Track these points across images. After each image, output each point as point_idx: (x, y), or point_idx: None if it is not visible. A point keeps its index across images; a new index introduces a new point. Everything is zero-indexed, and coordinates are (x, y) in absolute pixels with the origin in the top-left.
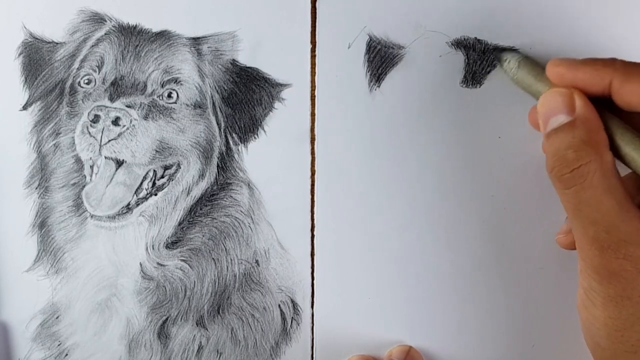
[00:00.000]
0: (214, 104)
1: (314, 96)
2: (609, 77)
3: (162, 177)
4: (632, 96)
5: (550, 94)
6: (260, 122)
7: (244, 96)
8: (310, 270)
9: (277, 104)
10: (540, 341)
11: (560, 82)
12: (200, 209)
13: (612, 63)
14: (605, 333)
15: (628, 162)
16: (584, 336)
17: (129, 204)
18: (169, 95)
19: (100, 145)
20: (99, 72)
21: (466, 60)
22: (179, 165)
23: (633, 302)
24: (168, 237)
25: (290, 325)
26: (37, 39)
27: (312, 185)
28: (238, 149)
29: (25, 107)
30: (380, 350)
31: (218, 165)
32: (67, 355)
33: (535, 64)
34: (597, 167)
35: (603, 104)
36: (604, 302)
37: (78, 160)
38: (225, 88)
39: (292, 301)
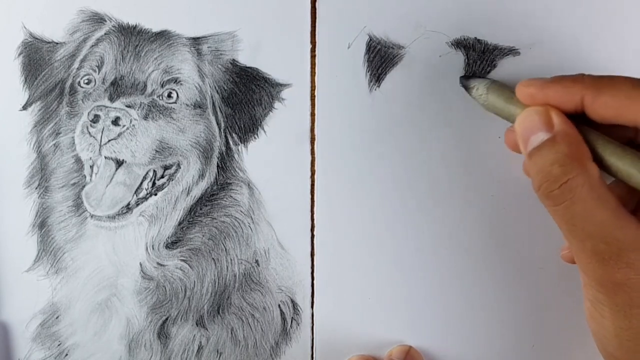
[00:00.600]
0: (214, 104)
1: (314, 96)
2: (579, 93)
3: (162, 177)
4: (605, 110)
5: (527, 113)
6: (260, 122)
7: (244, 96)
8: (310, 270)
9: (277, 104)
10: (540, 341)
11: (532, 103)
12: (200, 209)
13: (582, 79)
14: (618, 344)
15: (614, 173)
16: (598, 347)
17: (128, 204)
18: (169, 95)
19: (100, 145)
20: (98, 72)
21: (466, 60)
22: (179, 165)
23: None
24: (168, 237)
25: (290, 325)
26: (37, 39)
27: (312, 185)
28: (238, 149)
29: (25, 107)
30: (380, 350)
31: (218, 165)
32: (67, 355)
33: (504, 87)
34: (585, 179)
35: (578, 119)
36: (612, 314)
37: (78, 160)
38: (225, 88)
39: (292, 301)
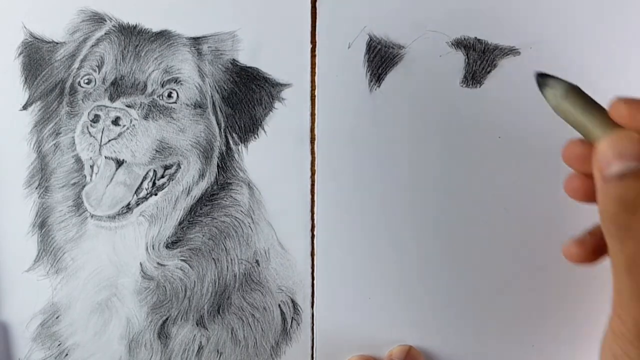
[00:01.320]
0: (214, 103)
1: (314, 96)
2: None
3: (162, 177)
4: None
5: (622, 137)
6: (260, 122)
7: (244, 96)
8: (310, 270)
9: (277, 104)
10: (540, 341)
11: (624, 121)
12: (201, 209)
13: None
14: None
15: None
16: None
17: (129, 204)
18: (169, 95)
19: (100, 145)
20: (99, 72)
21: (466, 60)
22: (179, 165)
23: None
24: (168, 237)
25: (290, 325)
26: (37, 38)
27: (312, 185)
28: (238, 149)
29: (25, 107)
30: (380, 350)
31: (218, 165)
32: (67, 355)
33: (583, 94)
34: None
35: None
36: None
37: (78, 160)
38: (225, 88)
39: (292, 301)
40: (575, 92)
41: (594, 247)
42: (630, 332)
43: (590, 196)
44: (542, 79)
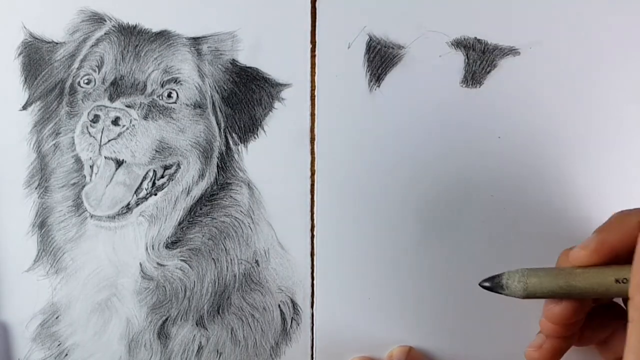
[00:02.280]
0: (213, 103)
1: (314, 96)
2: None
3: (162, 177)
4: None
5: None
6: (260, 122)
7: (244, 96)
8: (310, 270)
9: (277, 104)
10: None
11: (590, 260)
12: (200, 209)
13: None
14: None
15: None
16: None
17: (128, 204)
18: (169, 95)
19: (100, 145)
20: (98, 72)
21: (466, 60)
22: (178, 165)
23: None
24: (168, 237)
25: (290, 325)
26: (37, 38)
27: (312, 185)
28: (238, 149)
29: (25, 107)
30: (380, 350)
31: (218, 165)
32: (67, 355)
33: (539, 269)
34: None
35: None
36: None
37: (78, 160)
38: (225, 88)
39: (292, 301)
40: (533, 271)
41: (551, 351)
42: None
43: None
44: (493, 284)
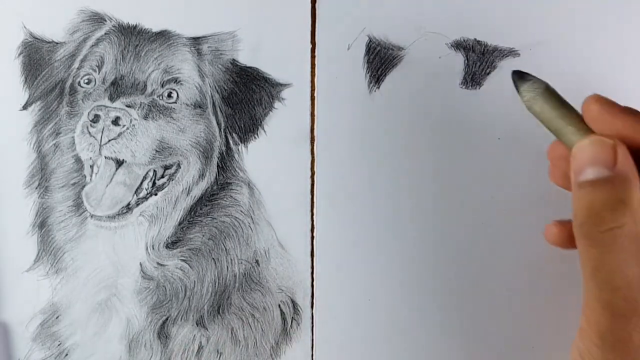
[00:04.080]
0: (214, 103)
1: (314, 97)
2: None
3: (162, 177)
4: None
5: (592, 142)
6: (260, 122)
7: (244, 96)
8: (310, 270)
9: (277, 104)
10: (540, 343)
11: (596, 126)
12: (200, 209)
13: None
14: None
15: None
16: None
17: (129, 204)
18: (169, 95)
19: (100, 145)
20: (99, 72)
21: (466, 61)
22: (179, 165)
23: None
24: (168, 237)
25: (290, 325)
26: (37, 38)
27: (312, 185)
28: (238, 149)
29: (25, 107)
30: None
31: (218, 165)
32: (67, 355)
33: (558, 96)
34: (631, 230)
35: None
36: None
37: (78, 160)
38: (225, 88)
39: (292, 301)
40: (550, 93)
41: (572, 234)
42: (592, 331)
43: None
44: (518, 77)
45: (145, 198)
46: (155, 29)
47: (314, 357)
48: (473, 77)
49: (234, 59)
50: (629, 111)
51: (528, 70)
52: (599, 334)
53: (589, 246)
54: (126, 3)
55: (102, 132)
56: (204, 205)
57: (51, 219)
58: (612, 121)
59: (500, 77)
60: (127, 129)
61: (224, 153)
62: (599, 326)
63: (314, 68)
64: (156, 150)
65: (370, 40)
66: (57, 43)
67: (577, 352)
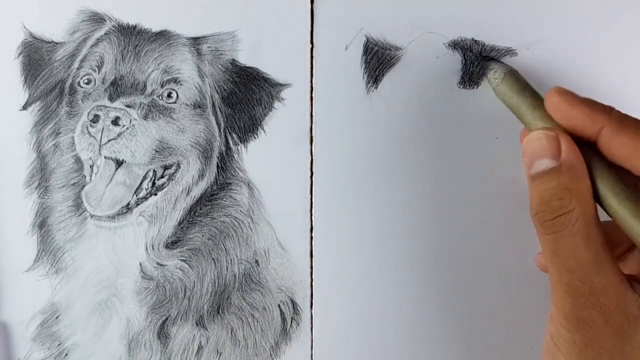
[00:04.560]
0: (213, 103)
1: (312, 98)
2: (601, 123)
3: (162, 177)
4: (618, 148)
5: (536, 136)
6: (260, 122)
7: (244, 96)
8: (310, 270)
9: (276, 104)
10: (540, 342)
11: (553, 112)
12: (200, 209)
13: (610, 110)
14: None
15: (611, 214)
16: None
17: (128, 204)
18: (169, 95)
19: (100, 145)
20: (98, 72)
21: (463, 61)
22: (178, 165)
23: (595, 352)
24: (168, 237)
25: (290, 325)
26: (37, 38)
27: (312, 185)
28: (238, 149)
29: (25, 107)
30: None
31: (218, 165)
32: (67, 355)
33: (521, 79)
34: (579, 215)
35: (590, 146)
36: (569, 350)
37: (78, 160)
38: (225, 88)
39: (292, 301)
40: (513, 77)
41: None
42: (559, 313)
43: None
44: (486, 62)
45: (145, 198)
46: (155, 29)
47: (313, 357)
48: (471, 77)
49: (233, 59)
50: (587, 102)
51: (527, 70)
52: (564, 315)
53: (544, 234)
54: (126, 3)
55: (102, 132)
56: (204, 205)
57: (51, 219)
58: (569, 110)
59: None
60: (127, 129)
61: (224, 153)
62: (564, 309)
63: (312, 69)
64: (156, 151)
65: (367, 41)
66: (57, 43)
67: (549, 335)
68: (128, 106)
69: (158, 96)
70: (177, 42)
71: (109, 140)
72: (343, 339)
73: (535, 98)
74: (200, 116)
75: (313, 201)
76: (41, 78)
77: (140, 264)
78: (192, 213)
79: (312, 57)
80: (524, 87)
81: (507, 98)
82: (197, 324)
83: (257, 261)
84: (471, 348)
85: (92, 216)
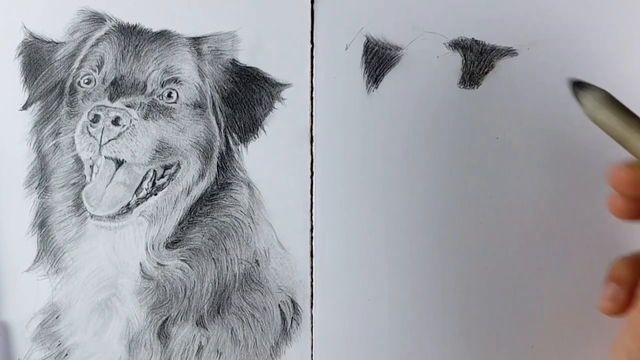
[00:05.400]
0: (214, 103)
1: (312, 98)
2: None
3: (162, 176)
4: None
5: None
6: (260, 122)
7: (244, 96)
8: (310, 270)
9: (277, 104)
10: (539, 342)
11: None
12: (200, 209)
13: None
14: None
15: None
16: None
17: (128, 204)
18: (169, 95)
19: (100, 145)
20: (98, 72)
21: (464, 61)
22: (178, 165)
23: None
24: (168, 237)
25: (290, 325)
26: (37, 38)
27: (312, 185)
28: (238, 149)
29: (25, 107)
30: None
31: (218, 165)
32: (67, 355)
33: (619, 104)
34: None
35: None
36: None
37: (78, 160)
38: (225, 88)
39: (292, 301)
40: (611, 100)
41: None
42: None
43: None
44: (578, 87)
45: (145, 198)
46: (155, 29)
47: (313, 357)
48: (471, 77)
49: (233, 59)
50: None
51: (527, 70)
52: None
53: None
54: (126, 3)
55: (102, 132)
56: (204, 205)
57: (51, 219)
58: None
59: (498, 76)
60: (127, 129)
61: (224, 153)
62: None
63: (312, 69)
64: (156, 150)
65: (368, 40)
66: (57, 43)
67: (625, 350)
68: (128, 106)
69: (158, 96)
70: (177, 42)
71: (109, 140)
72: (343, 339)
73: (638, 119)
74: (201, 116)
75: (313, 201)
76: (41, 78)
77: (141, 264)
78: (192, 213)
79: (312, 57)
80: (622, 109)
81: (606, 123)
82: (197, 324)
83: (257, 261)
84: (472, 348)
85: (92, 216)
